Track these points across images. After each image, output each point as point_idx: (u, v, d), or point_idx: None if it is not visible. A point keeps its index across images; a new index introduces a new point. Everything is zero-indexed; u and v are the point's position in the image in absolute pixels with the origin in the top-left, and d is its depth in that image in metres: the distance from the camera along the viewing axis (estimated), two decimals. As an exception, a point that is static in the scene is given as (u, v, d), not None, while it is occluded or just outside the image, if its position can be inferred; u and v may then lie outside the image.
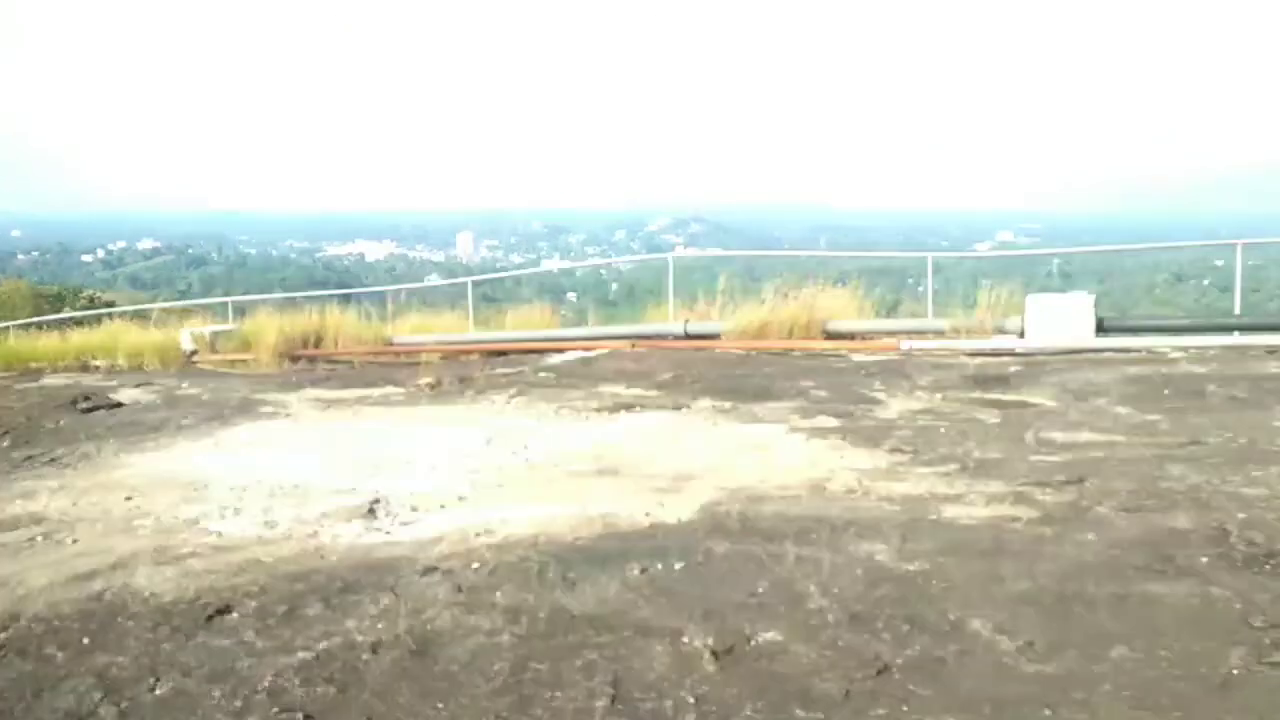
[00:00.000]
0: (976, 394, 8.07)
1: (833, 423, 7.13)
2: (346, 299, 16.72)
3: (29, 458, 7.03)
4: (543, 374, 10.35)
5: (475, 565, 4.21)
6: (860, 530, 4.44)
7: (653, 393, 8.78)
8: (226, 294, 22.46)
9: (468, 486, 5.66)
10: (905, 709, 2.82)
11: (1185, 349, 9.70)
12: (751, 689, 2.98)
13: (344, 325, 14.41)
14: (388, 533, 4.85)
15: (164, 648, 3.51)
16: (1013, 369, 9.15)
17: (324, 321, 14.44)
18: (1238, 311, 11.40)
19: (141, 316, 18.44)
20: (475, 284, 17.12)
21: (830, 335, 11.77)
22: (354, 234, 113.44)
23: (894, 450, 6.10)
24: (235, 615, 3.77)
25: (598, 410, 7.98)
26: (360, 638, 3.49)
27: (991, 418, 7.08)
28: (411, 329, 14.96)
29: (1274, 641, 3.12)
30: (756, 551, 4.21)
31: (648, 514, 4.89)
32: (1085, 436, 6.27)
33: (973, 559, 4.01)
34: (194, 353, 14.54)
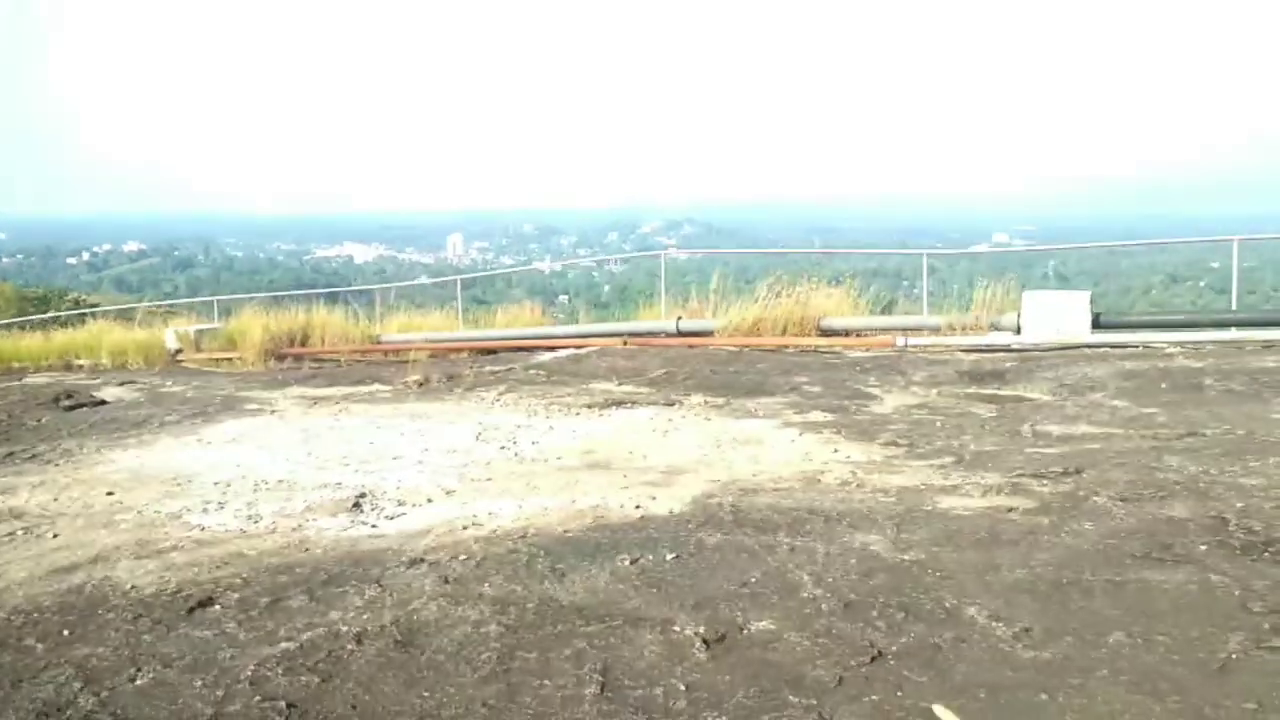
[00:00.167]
0: (972, 389, 8.04)
1: (827, 418, 7.08)
2: (334, 298, 16.58)
3: (10, 454, 6.92)
4: (533, 371, 10.28)
5: (463, 557, 4.13)
6: (854, 521, 4.38)
7: (644, 389, 8.73)
8: (213, 295, 22.30)
9: (455, 481, 5.59)
10: (900, 694, 2.76)
11: (1181, 344, 9.68)
12: (743, 676, 2.91)
13: (331, 324, 14.32)
14: (374, 526, 4.78)
15: (144, 639, 3.43)
16: (1009, 364, 9.11)
17: (310, 320, 14.34)
18: (1234, 307, 11.39)
19: (126, 317, 18.31)
20: (465, 285, 17.02)
21: (824, 332, 11.73)
22: (342, 236, 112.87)
23: (889, 444, 6.05)
24: (217, 607, 3.69)
25: (589, 406, 7.91)
26: (344, 628, 3.42)
27: (987, 412, 7.04)
28: (399, 328, 14.88)
29: (1273, 626, 3.07)
30: (749, 542, 4.14)
31: (638, 507, 4.83)
32: (1082, 429, 6.23)
33: (968, 548, 3.95)
34: (179, 351, 14.43)
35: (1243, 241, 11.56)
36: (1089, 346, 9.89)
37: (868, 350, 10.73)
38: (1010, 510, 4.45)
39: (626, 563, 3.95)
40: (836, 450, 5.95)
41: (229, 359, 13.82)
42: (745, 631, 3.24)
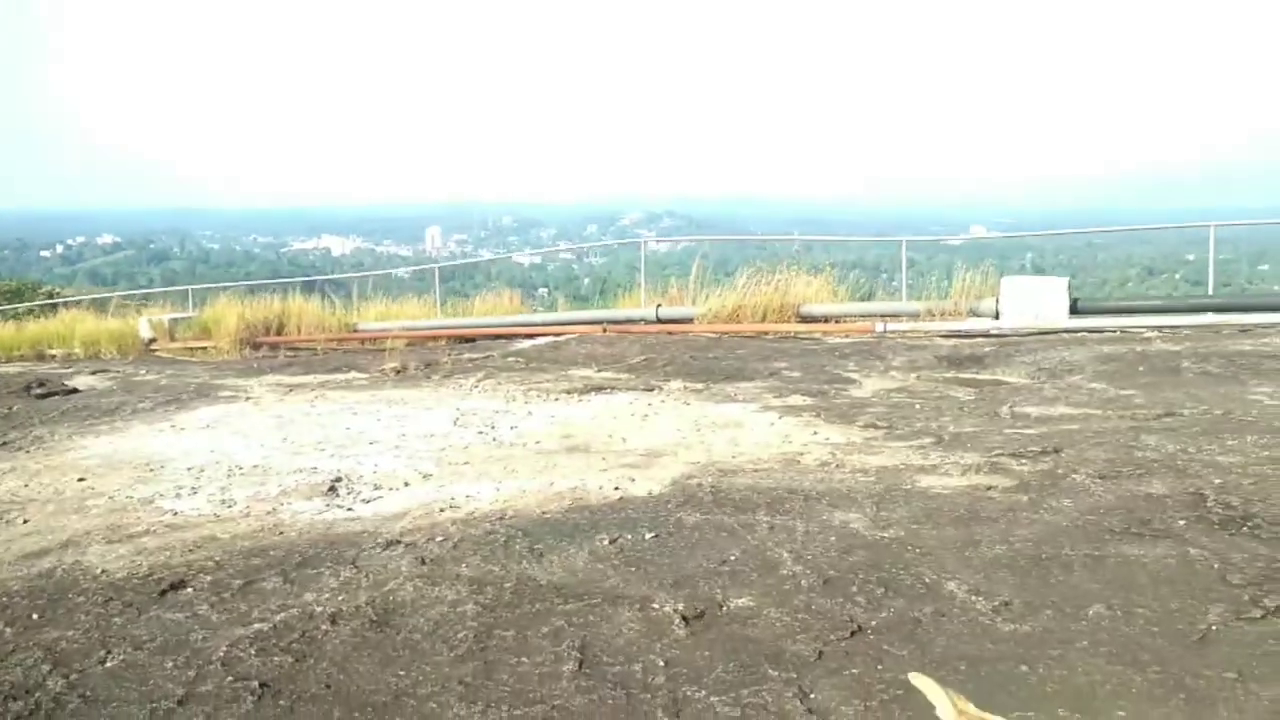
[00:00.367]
0: (951, 373, 8.05)
1: (806, 401, 7.07)
2: (310, 287, 16.44)
3: (-21, 442, 6.80)
4: (511, 359, 10.22)
5: (439, 539, 4.08)
6: (834, 500, 4.37)
7: (624, 375, 8.69)
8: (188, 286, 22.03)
9: (433, 465, 5.53)
10: (880, 668, 2.74)
11: (1159, 329, 9.73)
12: (723, 652, 2.89)
13: (307, 312, 14.22)
14: (350, 509, 4.72)
15: (115, 622, 3.36)
16: (987, 349, 9.13)
17: (286, 308, 14.23)
18: (1210, 292, 11.47)
19: (100, 307, 18.09)
20: (443, 276, 16.92)
21: (804, 319, 11.73)
22: (319, 229, 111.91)
23: (868, 426, 6.04)
24: (189, 590, 3.63)
25: (567, 392, 7.87)
26: (319, 609, 3.36)
27: (966, 395, 7.05)
28: (377, 316, 14.78)
29: (1252, 598, 3.07)
30: (728, 521, 4.12)
31: (617, 488, 4.79)
32: (1060, 410, 6.24)
33: (948, 526, 3.94)
34: (152, 341, 14.28)
35: (1219, 230, 11.63)
36: (1067, 331, 9.93)
37: (847, 336, 10.74)
38: (989, 488, 4.44)
39: (605, 542, 3.92)
40: (816, 433, 5.93)
41: (204, 348, 13.69)
42: (725, 608, 3.21)
